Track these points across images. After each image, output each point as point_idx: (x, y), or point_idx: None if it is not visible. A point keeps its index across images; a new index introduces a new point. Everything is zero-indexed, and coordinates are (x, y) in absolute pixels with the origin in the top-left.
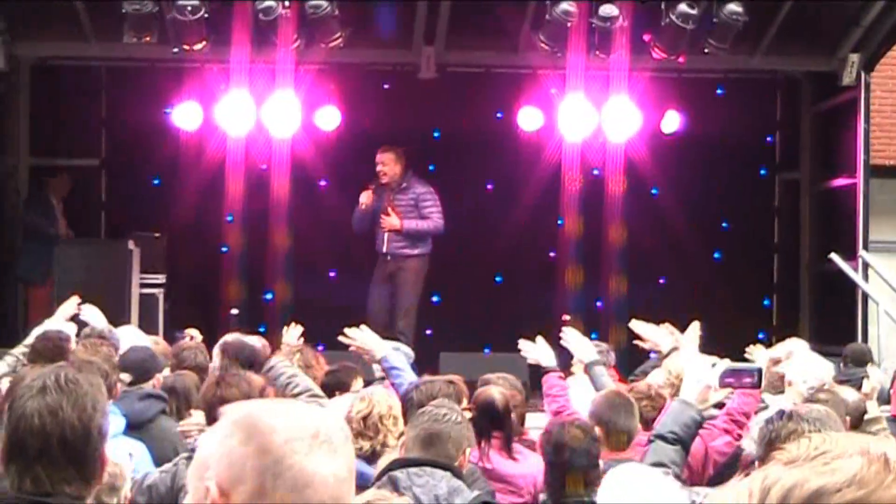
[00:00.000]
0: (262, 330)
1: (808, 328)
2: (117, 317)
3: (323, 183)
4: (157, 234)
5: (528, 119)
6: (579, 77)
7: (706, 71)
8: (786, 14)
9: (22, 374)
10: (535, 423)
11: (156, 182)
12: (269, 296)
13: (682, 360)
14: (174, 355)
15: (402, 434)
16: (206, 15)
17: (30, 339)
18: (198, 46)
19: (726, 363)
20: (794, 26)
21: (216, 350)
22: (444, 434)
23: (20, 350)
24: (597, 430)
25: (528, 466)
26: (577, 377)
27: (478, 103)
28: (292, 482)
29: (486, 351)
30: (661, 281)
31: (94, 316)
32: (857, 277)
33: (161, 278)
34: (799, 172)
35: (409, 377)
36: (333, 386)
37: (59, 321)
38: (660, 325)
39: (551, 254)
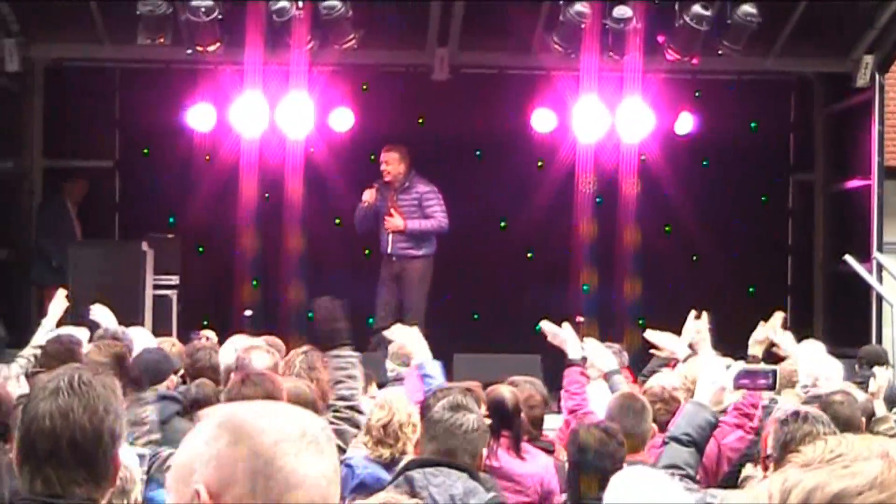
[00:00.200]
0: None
1: (822, 330)
2: (131, 318)
3: (336, 184)
4: (170, 236)
5: (542, 120)
6: (593, 78)
7: (720, 72)
8: (800, 15)
9: (42, 376)
10: (550, 425)
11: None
12: (282, 297)
13: (698, 363)
14: (188, 355)
15: None
16: (219, 16)
17: (36, 340)
18: (212, 48)
19: (741, 365)
20: (807, 27)
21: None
22: (459, 450)
23: (30, 351)
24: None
25: (536, 466)
26: (595, 382)
27: (491, 105)
28: (284, 483)
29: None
30: (673, 282)
31: (104, 316)
32: (871, 279)
33: (175, 280)
34: (813, 174)
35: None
36: None
37: (53, 320)
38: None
39: (565, 254)
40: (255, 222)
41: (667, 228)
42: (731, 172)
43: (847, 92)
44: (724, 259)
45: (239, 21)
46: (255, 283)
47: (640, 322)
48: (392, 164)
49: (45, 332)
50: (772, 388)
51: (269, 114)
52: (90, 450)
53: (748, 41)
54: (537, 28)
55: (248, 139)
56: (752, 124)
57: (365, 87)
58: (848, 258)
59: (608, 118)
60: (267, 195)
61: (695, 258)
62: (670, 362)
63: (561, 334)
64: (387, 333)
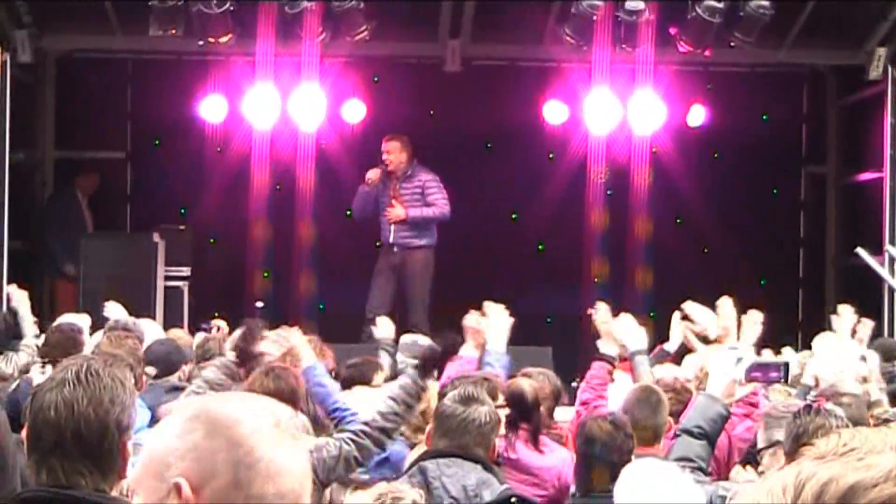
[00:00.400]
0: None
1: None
2: (142, 310)
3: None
4: (182, 227)
5: (554, 112)
6: (605, 70)
7: (732, 64)
8: (812, 7)
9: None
10: (562, 417)
11: (181, 175)
12: (293, 288)
13: (710, 356)
14: (199, 346)
15: None
16: (231, 8)
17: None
18: (223, 39)
19: (752, 357)
20: (820, 20)
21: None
22: (472, 444)
23: (31, 341)
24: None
25: (554, 459)
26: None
27: (503, 96)
28: (266, 472)
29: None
30: (684, 274)
31: (118, 314)
32: (883, 272)
33: (186, 271)
34: (825, 166)
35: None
36: (355, 379)
37: (26, 311)
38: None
39: (576, 246)
40: (266, 214)
41: (678, 221)
42: (743, 165)
43: (860, 84)
44: (735, 252)
45: (251, 12)
46: (266, 274)
47: (652, 314)
48: (393, 153)
49: (29, 323)
50: (784, 380)
51: (280, 105)
52: (95, 441)
53: (761, 33)
54: (549, 20)
55: (259, 131)
56: (765, 116)
57: (376, 78)
58: (860, 251)
59: (620, 110)
60: (279, 186)
61: (706, 250)
62: (669, 357)
63: (610, 325)
64: (467, 317)
